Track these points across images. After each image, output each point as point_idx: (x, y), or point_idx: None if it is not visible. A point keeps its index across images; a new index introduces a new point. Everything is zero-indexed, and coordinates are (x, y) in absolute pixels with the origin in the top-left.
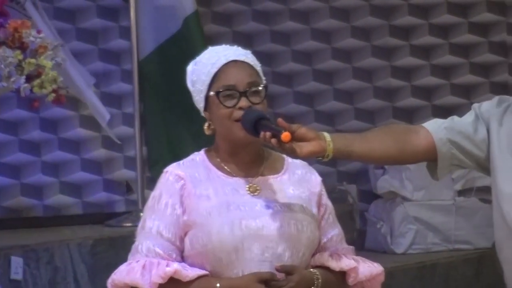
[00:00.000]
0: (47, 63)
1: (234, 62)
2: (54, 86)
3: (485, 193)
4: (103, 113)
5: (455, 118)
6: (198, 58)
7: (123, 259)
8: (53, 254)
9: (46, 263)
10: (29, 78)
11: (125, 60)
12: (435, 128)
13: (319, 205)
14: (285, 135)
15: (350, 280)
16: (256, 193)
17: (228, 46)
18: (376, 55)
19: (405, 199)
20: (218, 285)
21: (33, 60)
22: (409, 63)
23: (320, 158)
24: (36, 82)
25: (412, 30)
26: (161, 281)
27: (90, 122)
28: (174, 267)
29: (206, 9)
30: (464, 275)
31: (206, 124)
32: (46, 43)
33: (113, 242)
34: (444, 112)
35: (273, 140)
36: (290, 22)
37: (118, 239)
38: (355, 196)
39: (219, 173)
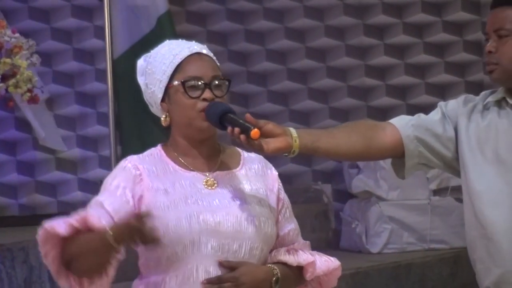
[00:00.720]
0: (22, 62)
1: (198, 54)
2: (29, 86)
3: (460, 193)
4: (38, 131)
5: (421, 115)
6: (152, 52)
7: None
8: (28, 253)
9: (21, 262)
10: (4, 78)
11: (99, 60)
12: (403, 124)
13: (277, 199)
14: (255, 132)
15: (308, 275)
16: (213, 188)
17: (185, 41)
18: (351, 54)
19: (380, 198)
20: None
21: (8, 60)
22: (383, 62)
23: (286, 154)
24: (11, 81)
25: (387, 29)
26: (74, 223)
27: (65, 121)
28: (87, 213)
29: (180, 8)
30: (440, 274)
31: (163, 116)
32: (21, 43)
33: None
34: (419, 111)
35: (242, 136)
36: (264, 21)
37: None
38: (330, 196)
39: (177, 167)
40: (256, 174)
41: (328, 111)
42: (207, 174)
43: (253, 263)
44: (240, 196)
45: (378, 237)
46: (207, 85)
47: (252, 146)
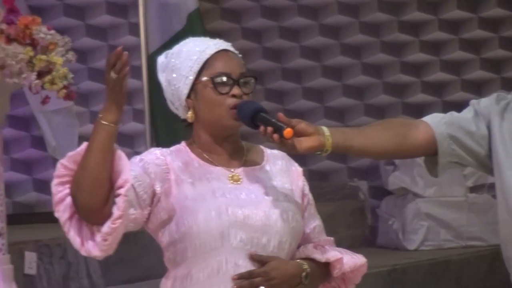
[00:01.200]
0: (57, 59)
1: (225, 51)
2: (65, 82)
3: None
4: (49, 140)
5: (454, 113)
6: (175, 49)
7: (135, 253)
8: (66, 249)
9: (59, 258)
10: (40, 75)
11: (134, 56)
12: (435, 122)
13: (302, 195)
14: (288, 131)
15: (335, 272)
16: (239, 183)
17: (209, 38)
18: (386, 51)
19: (416, 195)
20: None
21: (44, 57)
22: (419, 59)
23: (319, 153)
24: (47, 78)
25: (422, 25)
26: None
27: None
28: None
29: (215, 5)
30: (477, 271)
31: (189, 113)
32: (56, 39)
33: (126, 236)
34: (454, 108)
35: (275, 136)
36: (299, 18)
37: (130, 233)
38: (366, 193)
39: (202, 162)
40: (280, 170)
41: (363, 108)
42: (232, 170)
43: (283, 258)
44: (266, 191)
45: (415, 234)
46: (236, 82)
47: (285, 145)
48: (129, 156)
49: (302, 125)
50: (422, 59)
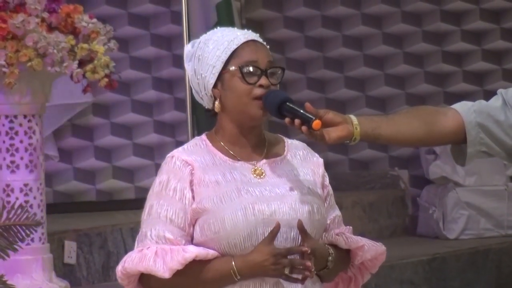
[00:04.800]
0: (99, 48)
1: (253, 41)
2: (107, 71)
3: None
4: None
5: (482, 101)
6: (202, 38)
7: None
8: (106, 238)
9: (99, 248)
10: (81, 63)
11: (176, 45)
12: (465, 110)
13: (323, 186)
14: (317, 123)
15: (357, 259)
16: (262, 177)
17: (236, 28)
18: (427, 40)
19: (457, 184)
20: (233, 263)
21: (85, 45)
22: (460, 48)
23: (348, 142)
24: (89, 67)
25: (463, 15)
26: (180, 267)
27: (142, 106)
28: (193, 252)
29: None
30: None
31: (216, 102)
32: (98, 28)
33: None
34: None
35: (304, 128)
36: (341, 7)
37: None
38: (407, 182)
39: (225, 157)
40: (301, 160)
41: (405, 97)
42: (254, 163)
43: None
44: (290, 183)
45: (455, 223)
46: (264, 72)
47: (314, 136)
48: (172, 145)
49: (330, 115)
50: (463, 48)
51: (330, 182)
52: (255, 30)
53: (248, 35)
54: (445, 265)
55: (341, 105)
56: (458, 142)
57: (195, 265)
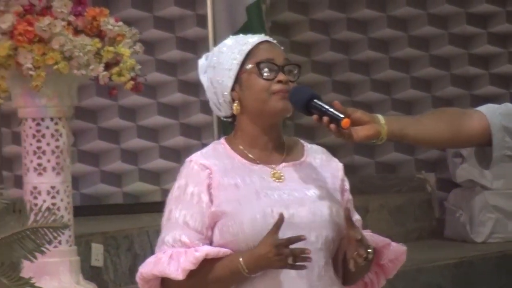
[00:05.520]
0: (125, 51)
1: (268, 42)
2: (132, 74)
3: None
4: None
5: (508, 104)
6: (215, 49)
7: None
8: (133, 241)
9: (126, 250)
10: (107, 66)
11: (202, 48)
12: (491, 113)
13: (342, 190)
14: (346, 122)
15: (384, 257)
16: (281, 180)
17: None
18: (454, 43)
19: (484, 187)
20: (240, 259)
21: (111, 48)
22: (486, 51)
23: (374, 142)
24: (115, 70)
25: (490, 18)
26: (192, 267)
27: (168, 109)
28: (204, 250)
29: None
30: None
31: (235, 104)
32: (124, 31)
33: None
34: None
35: (332, 126)
36: (367, 9)
37: None
38: (434, 185)
39: (244, 160)
40: (321, 165)
41: (431, 100)
42: (273, 167)
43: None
44: (308, 187)
45: (482, 226)
46: (281, 68)
47: (342, 135)
48: (198, 148)
49: (358, 113)
50: (489, 51)
51: (356, 185)
52: (280, 33)
53: (262, 37)
54: (472, 268)
55: (367, 108)
56: (483, 145)
57: (208, 264)
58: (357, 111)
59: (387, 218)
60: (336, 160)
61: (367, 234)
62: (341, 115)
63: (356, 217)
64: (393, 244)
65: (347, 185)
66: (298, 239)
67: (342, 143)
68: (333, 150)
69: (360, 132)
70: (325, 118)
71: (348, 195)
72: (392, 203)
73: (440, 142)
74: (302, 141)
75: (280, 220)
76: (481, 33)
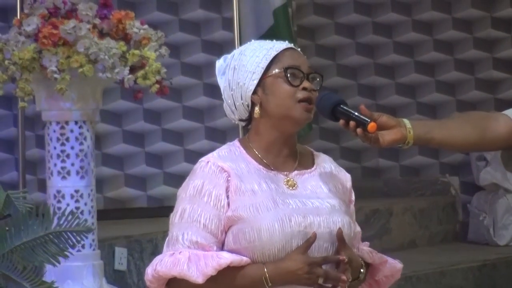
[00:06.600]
0: (151, 54)
1: (292, 49)
2: (158, 77)
3: None
4: None
5: None
6: (235, 52)
7: None
8: (157, 245)
9: (150, 254)
10: (132, 69)
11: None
12: None
13: (349, 201)
14: (372, 126)
15: (379, 274)
16: (294, 188)
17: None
18: (478, 47)
19: (508, 191)
20: (265, 270)
21: (137, 51)
22: (510, 55)
23: (400, 146)
24: (140, 73)
25: (510, 21)
26: (214, 273)
27: (193, 112)
28: (228, 258)
29: (309, 0)
30: None
31: (256, 108)
32: (149, 34)
33: None
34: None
35: (359, 130)
36: (392, 13)
37: None
38: (458, 188)
39: (259, 166)
40: (331, 175)
41: (455, 104)
42: (287, 174)
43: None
44: (322, 196)
45: (505, 229)
46: (306, 76)
47: (368, 139)
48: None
49: (384, 118)
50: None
51: (381, 188)
52: (306, 36)
53: (287, 44)
54: (496, 271)
55: (392, 112)
56: (509, 148)
57: (228, 271)
58: (383, 115)
59: (411, 221)
60: (344, 170)
61: (365, 250)
62: (368, 119)
63: (358, 229)
64: (390, 261)
65: (353, 196)
66: (335, 259)
67: (366, 146)
68: (358, 154)
69: (387, 136)
70: (352, 123)
71: (353, 207)
72: (416, 206)
73: (466, 145)
74: (311, 149)
75: (313, 238)
76: (506, 37)
